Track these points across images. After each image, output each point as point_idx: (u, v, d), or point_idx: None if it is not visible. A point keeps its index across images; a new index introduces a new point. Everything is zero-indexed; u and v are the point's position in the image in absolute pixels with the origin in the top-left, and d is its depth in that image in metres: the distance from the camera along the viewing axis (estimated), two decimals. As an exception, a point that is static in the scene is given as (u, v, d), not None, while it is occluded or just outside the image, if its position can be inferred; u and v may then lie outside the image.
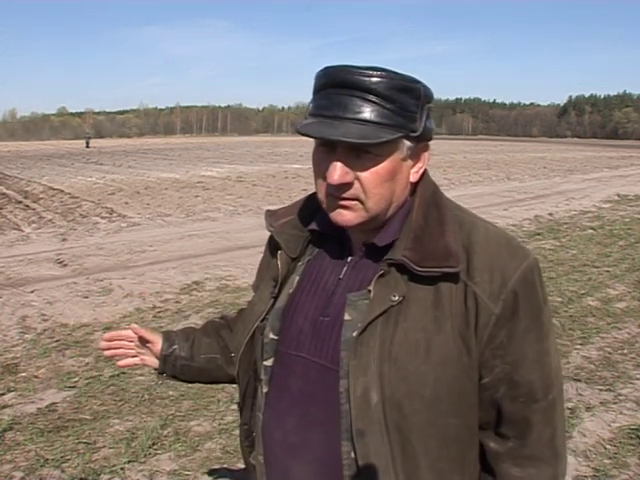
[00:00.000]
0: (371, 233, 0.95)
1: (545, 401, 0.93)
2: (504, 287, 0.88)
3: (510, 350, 0.90)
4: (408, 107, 0.87)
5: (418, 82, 0.90)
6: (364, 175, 0.88)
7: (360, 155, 0.87)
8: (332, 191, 0.90)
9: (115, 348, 1.25)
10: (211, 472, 2.80)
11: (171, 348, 1.24)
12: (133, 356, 1.26)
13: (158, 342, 1.24)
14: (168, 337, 1.26)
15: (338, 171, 0.87)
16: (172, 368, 1.25)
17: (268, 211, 1.12)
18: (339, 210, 0.91)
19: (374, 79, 0.85)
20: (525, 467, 0.94)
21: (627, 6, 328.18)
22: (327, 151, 0.89)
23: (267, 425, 1.01)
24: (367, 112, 0.85)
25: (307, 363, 0.95)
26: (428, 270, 0.87)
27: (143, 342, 1.25)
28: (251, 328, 1.03)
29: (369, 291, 0.91)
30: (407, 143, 0.89)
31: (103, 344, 1.25)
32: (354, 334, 0.89)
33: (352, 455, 0.90)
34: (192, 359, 1.24)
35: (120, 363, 1.27)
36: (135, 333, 1.24)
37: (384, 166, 0.88)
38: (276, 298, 1.02)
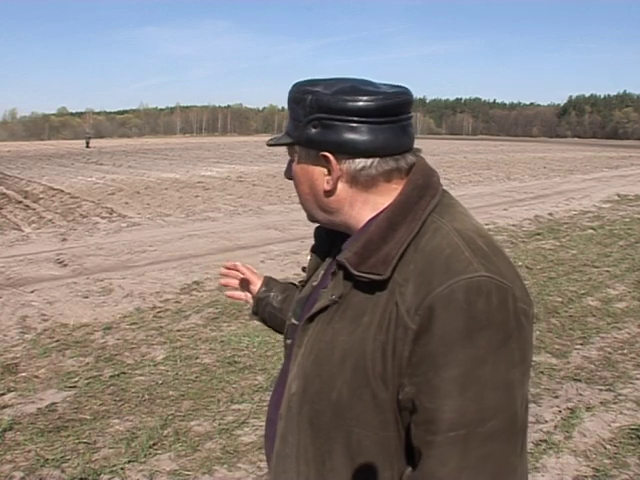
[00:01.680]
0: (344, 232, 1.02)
1: (444, 436, 0.80)
2: (422, 302, 0.82)
3: (417, 371, 0.82)
4: (296, 116, 0.94)
5: (311, 93, 0.91)
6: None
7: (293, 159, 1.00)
8: None
9: (231, 277, 1.43)
10: (211, 472, 2.80)
11: (266, 293, 1.37)
12: (241, 290, 1.42)
13: (257, 284, 1.39)
14: (267, 283, 1.39)
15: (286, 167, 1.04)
16: (262, 312, 1.38)
17: None
18: None
19: (290, 91, 0.96)
20: None
21: (627, 6, 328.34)
22: None
23: (271, 400, 1.12)
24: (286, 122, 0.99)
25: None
26: (361, 275, 0.88)
27: (246, 281, 1.41)
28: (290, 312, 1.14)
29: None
30: (300, 150, 0.96)
31: (223, 271, 1.44)
32: (302, 324, 0.98)
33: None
34: (280, 311, 1.35)
35: (228, 293, 1.45)
36: (240, 271, 1.41)
37: (295, 168, 0.99)
38: (303, 287, 1.13)
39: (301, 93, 0.93)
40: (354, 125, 0.90)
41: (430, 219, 0.90)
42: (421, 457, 0.84)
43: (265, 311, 1.37)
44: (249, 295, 1.41)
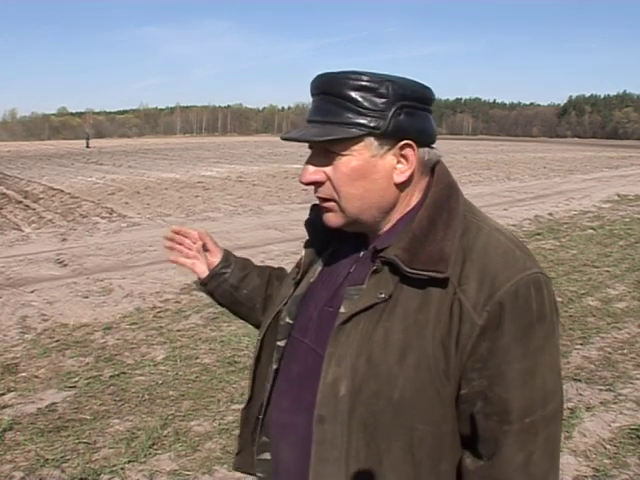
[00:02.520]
0: (375, 229, 0.98)
1: (519, 424, 0.85)
2: (490, 298, 0.84)
3: (489, 364, 0.85)
4: (371, 105, 0.88)
5: (387, 80, 0.89)
6: (333, 175, 0.92)
7: (329, 156, 0.91)
8: (315, 193, 0.96)
9: (177, 243, 1.31)
10: (211, 472, 2.80)
11: (224, 269, 1.29)
12: (188, 257, 1.30)
13: (217, 256, 1.30)
14: (227, 258, 1.31)
15: (306, 170, 0.94)
16: (215, 287, 1.29)
17: (314, 205, 1.15)
18: (325, 213, 0.97)
19: (339, 81, 0.89)
20: None
21: (627, 6, 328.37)
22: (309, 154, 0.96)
23: (270, 405, 1.06)
24: (330, 113, 0.90)
25: (308, 350, 0.99)
26: (417, 272, 0.87)
27: (204, 249, 1.31)
28: (274, 311, 1.09)
29: (363, 286, 0.93)
30: (374, 141, 0.90)
31: (168, 234, 1.32)
32: (337, 324, 0.92)
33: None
34: (237, 289, 1.29)
35: (172, 258, 1.32)
36: (200, 238, 1.30)
37: (350, 165, 0.90)
38: (298, 285, 1.07)
39: (372, 81, 0.88)
40: (427, 114, 0.94)
41: (465, 218, 0.93)
42: (497, 446, 0.86)
43: (220, 287, 1.29)
44: (197, 264, 1.29)
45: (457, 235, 0.90)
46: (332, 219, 0.96)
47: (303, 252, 1.09)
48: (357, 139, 0.89)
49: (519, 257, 0.89)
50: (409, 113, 0.90)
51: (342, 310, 0.93)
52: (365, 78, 0.88)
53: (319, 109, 0.92)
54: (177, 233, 1.31)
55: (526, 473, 0.87)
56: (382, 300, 0.89)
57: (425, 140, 0.94)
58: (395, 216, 0.95)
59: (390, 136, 0.90)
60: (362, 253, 1.00)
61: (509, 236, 0.93)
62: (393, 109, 0.89)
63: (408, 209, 0.96)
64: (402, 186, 0.94)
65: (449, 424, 0.89)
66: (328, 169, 0.92)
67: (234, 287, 1.29)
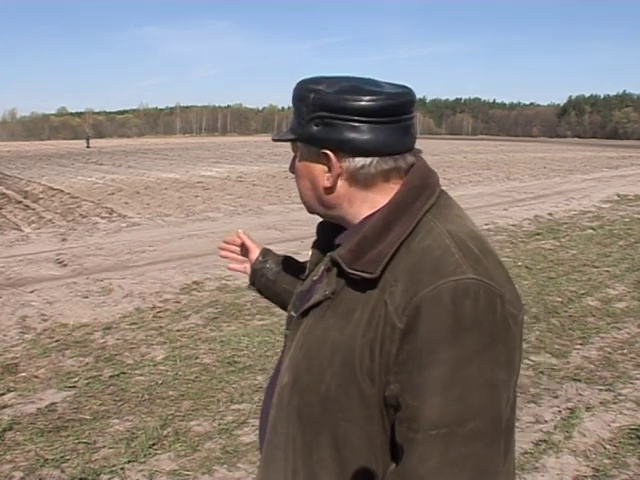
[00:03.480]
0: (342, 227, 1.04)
1: (425, 434, 0.80)
2: (410, 302, 0.83)
3: (403, 369, 0.83)
4: (300, 114, 0.95)
5: (313, 92, 0.92)
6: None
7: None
8: None
9: (230, 251, 1.45)
10: (211, 472, 2.80)
11: (261, 265, 1.39)
12: (240, 263, 1.44)
13: (255, 252, 1.41)
14: (265, 254, 1.41)
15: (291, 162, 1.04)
16: (258, 282, 1.41)
17: None
18: None
19: (296, 89, 0.97)
20: None
21: (627, 6, 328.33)
22: None
23: (265, 392, 1.15)
24: (291, 118, 0.99)
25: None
26: (353, 272, 0.89)
27: (243, 248, 1.43)
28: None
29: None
30: (302, 146, 0.97)
31: (222, 245, 1.46)
32: (296, 316, 1.00)
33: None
34: (274, 283, 1.38)
35: (231, 266, 1.46)
36: (239, 238, 1.42)
37: (297, 164, 1.00)
38: (304, 281, 1.14)
39: (305, 91, 0.94)
40: (355, 124, 0.90)
41: (424, 220, 0.91)
42: (403, 454, 0.84)
43: (260, 282, 1.40)
44: (248, 267, 1.42)
45: (402, 236, 0.89)
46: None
47: (310, 252, 1.14)
48: (294, 143, 0.99)
49: (453, 262, 0.84)
50: (327, 124, 0.92)
51: (306, 305, 0.99)
52: (306, 87, 0.95)
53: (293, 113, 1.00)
54: (228, 243, 1.45)
55: None
56: (326, 297, 0.93)
57: (350, 150, 0.92)
58: (357, 216, 0.98)
59: (309, 144, 0.96)
60: None
61: (460, 238, 0.88)
62: (308, 119, 0.94)
63: (372, 210, 0.95)
64: (329, 190, 0.97)
65: (376, 426, 0.88)
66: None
67: (272, 281, 1.38)
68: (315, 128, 0.93)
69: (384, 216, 0.92)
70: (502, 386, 0.83)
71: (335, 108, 0.91)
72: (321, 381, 0.90)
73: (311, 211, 1.05)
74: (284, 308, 1.41)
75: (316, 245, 1.14)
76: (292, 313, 1.09)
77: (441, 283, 0.82)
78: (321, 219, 1.13)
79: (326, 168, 0.95)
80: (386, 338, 0.85)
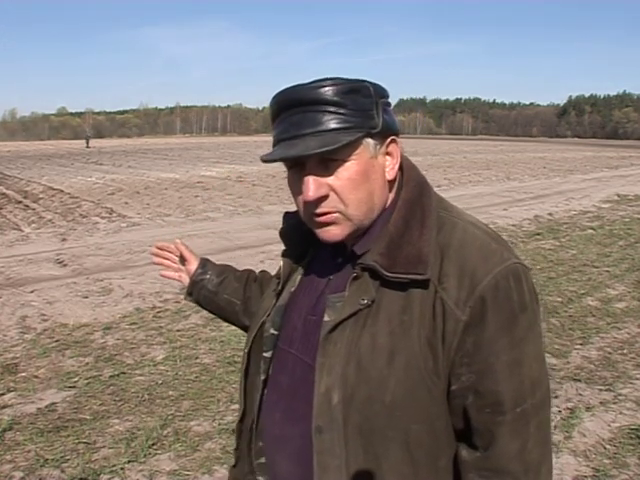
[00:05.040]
0: (356, 237, 0.96)
1: (511, 414, 0.86)
2: (472, 293, 0.85)
3: (476, 359, 0.86)
4: (361, 106, 0.87)
5: (364, 81, 0.90)
6: (338, 184, 0.88)
7: (328, 165, 0.88)
8: (311, 209, 0.91)
9: (164, 258, 1.38)
10: (211, 472, 2.80)
11: (201, 276, 1.35)
12: (175, 270, 1.38)
13: (193, 263, 1.36)
14: (204, 265, 1.36)
15: (311, 186, 0.88)
16: (197, 294, 1.36)
17: (286, 213, 1.14)
18: (325, 228, 0.92)
19: (320, 89, 0.86)
20: (489, 479, 0.89)
21: (627, 6, 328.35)
22: (298, 172, 0.91)
23: (262, 417, 1.05)
24: (322, 122, 0.86)
25: (295, 360, 0.98)
26: (397, 276, 0.87)
27: (182, 259, 1.37)
28: (258, 322, 1.07)
29: (345, 293, 0.93)
30: (371, 141, 0.89)
31: (154, 250, 1.39)
32: (323, 333, 0.91)
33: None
34: (215, 295, 1.34)
35: (163, 273, 1.40)
36: (177, 248, 1.37)
37: (354, 169, 0.88)
38: (279, 295, 1.06)
39: (353, 83, 0.88)
40: (390, 108, 0.94)
41: (438, 215, 0.93)
42: (492, 437, 0.87)
43: (200, 294, 1.35)
44: (183, 276, 1.37)
45: (433, 233, 0.90)
46: (335, 232, 0.92)
47: (281, 262, 1.08)
48: (357, 142, 0.87)
49: (495, 249, 0.89)
50: (386, 110, 0.92)
51: (326, 318, 0.93)
52: (344, 81, 0.88)
53: (303, 121, 0.87)
54: (160, 249, 1.38)
55: (521, 461, 0.88)
56: (365, 306, 0.89)
57: (398, 134, 0.95)
58: (375, 215, 0.95)
59: (381, 134, 0.90)
60: (340, 259, 1.00)
61: (485, 229, 0.94)
62: (380, 106, 0.90)
63: (382, 208, 0.95)
64: (392, 183, 0.95)
65: (443, 420, 0.90)
66: (330, 179, 0.89)
67: (213, 292, 1.34)
68: (385, 116, 0.90)
69: (403, 215, 0.92)
70: (544, 354, 0.94)
71: (387, 94, 0.93)
72: (384, 390, 0.87)
73: (357, 229, 0.93)
74: (225, 319, 1.42)
75: (286, 254, 1.08)
76: (272, 331, 1.03)
77: (497, 271, 0.86)
78: (281, 229, 1.10)
79: (389, 158, 0.93)
80: (447, 332, 0.85)
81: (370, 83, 0.90)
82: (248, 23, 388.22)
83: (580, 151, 39.37)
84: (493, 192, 14.21)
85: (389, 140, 0.92)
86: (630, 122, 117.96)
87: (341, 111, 0.86)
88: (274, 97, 0.92)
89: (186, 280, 1.37)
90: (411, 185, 0.95)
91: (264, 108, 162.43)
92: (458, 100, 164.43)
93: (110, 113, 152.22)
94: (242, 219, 10.39)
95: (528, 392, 0.87)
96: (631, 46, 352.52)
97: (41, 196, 13.66)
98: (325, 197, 0.89)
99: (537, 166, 23.45)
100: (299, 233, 1.05)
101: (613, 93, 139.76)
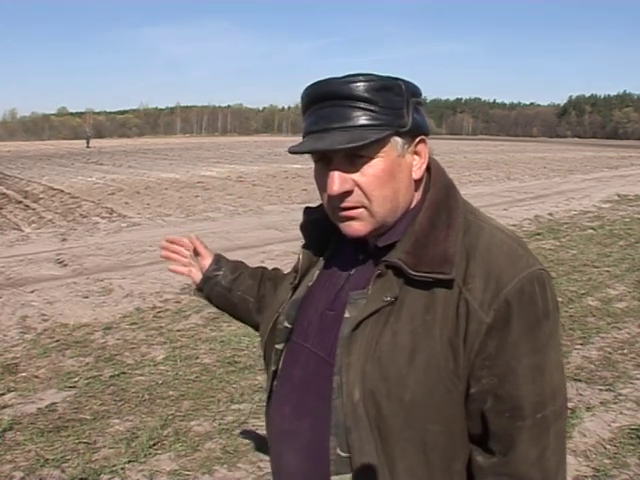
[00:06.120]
0: (382, 233, 0.96)
1: (532, 419, 0.86)
2: (497, 296, 0.85)
3: (498, 362, 0.86)
4: (392, 104, 0.88)
5: (398, 79, 0.90)
6: (363, 180, 0.89)
7: (354, 161, 0.89)
8: (336, 203, 0.92)
9: (172, 252, 1.36)
10: (211, 472, 2.80)
11: (216, 272, 1.32)
12: (184, 265, 1.35)
13: (208, 259, 1.33)
14: (217, 261, 1.34)
15: (336, 180, 0.89)
16: (209, 290, 1.33)
17: (306, 208, 1.15)
18: (348, 222, 0.93)
19: (352, 85, 0.87)
20: None
21: (627, 6, 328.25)
22: (324, 165, 0.92)
23: (271, 409, 1.05)
24: (351, 117, 0.87)
25: (310, 354, 0.98)
26: (422, 275, 0.87)
27: (196, 254, 1.34)
28: (273, 315, 1.07)
29: (368, 290, 0.92)
30: (399, 140, 0.89)
31: (164, 244, 1.37)
32: (347, 331, 0.91)
33: (337, 451, 0.90)
34: (229, 291, 1.31)
35: (171, 267, 1.37)
36: (191, 243, 1.34)
37: (380, 167, 0.89)
38: (296, 289, 1.06)
39: (386, 80, 0.88)
40: (422, 107, 0.94)
41: (465, 217, 0.93)
42: (511, 442, 0.87)
43: (213, 290, 1.32)
44: (193, 271, 1.34)
45: (460, 235, 0.90)
46: (358, 228, 0.92)
47: (300, 256, 1.08)
48: (385, 140, 0.88)
49: (522, 255, 0.90)
50: (417, 110, 0.91)
51: (347, 315, 0.92)
52: (377, 78, 0.88)
53: (333, 115, 0.88)
54: (171, 242, 1.36)
55: (540, 468, 0.88)
56: (388, 303, 0.89)
57: (428, 135, 0.95)
58: (399, 213, 0.95)
59: (410, 133, 0.90)
60: (361, 256, 0.99)
61: (510, 234, 0.94)
62: (410, 105, 0.90)
63: (410, 208, 0.96)
64: (419, 183, 0.95)
65: (459, 423, 0.90)
66: (355, 175, 0.89)
67: (227, 289, 1.31)
68: (415, 115, 0.90)
69: (429, 216, 0.92)
70: (563, 363, 0.94)
71: (420, 93, 0.93)
72: (404, 389, 0.86)
73: (381, 225, 0.93)
74: (236, 317, 1.38)
75: (306, 248, 1.08)
76: (286, 324, 1.03)
77: (523, 276, 0.86)
78: (302, 224, 1.10)
79: (416, 158, 0.93)
80: (470, 334, 0.85)
81: (403, 81, 0.90)
82: (248, 23, 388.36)
83: (580, 151, 39.36)
84: (493, 192, 14.21)
85: (418, 140, 0.92)
86: (630, 122, 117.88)
87: (371, 108, 0.87)
88: (306, 89, 0.92)
89: (196, 275, 1.34)
90: (438, 186, 0.96)
91: (264, 108, 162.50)
92: (458, 100, 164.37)
93: (110, 113, 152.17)
94: (242, 219, 10.39)
95: (549, 399, 0.88)
96: (631, 46, 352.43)
97: (41, 196, 13.66)
98: (350, 192, 0.90)
99: (537, 166, 23.45)
100: (319, 228, 1.06)
101: (613, 93, 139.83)
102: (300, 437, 0.96)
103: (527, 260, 0.89)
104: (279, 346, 1.04)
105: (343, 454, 0.89)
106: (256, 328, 1.30)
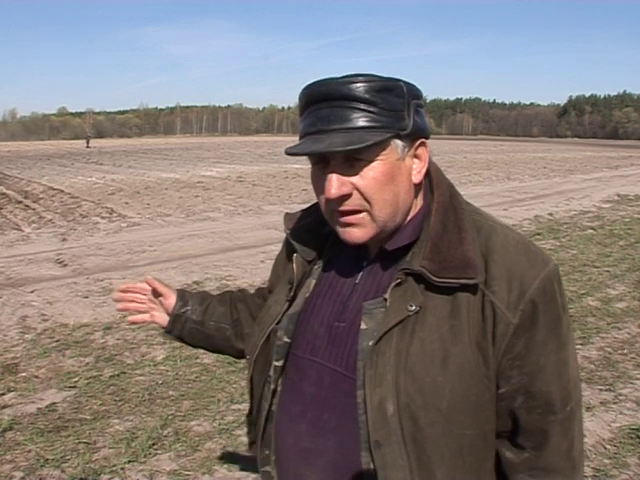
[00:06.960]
0: (385, 238, 0.94)
1: (563, 413, 0.90)
2: (522, 297, 0.85)
3: (527, 361, 0.87)
4: (392, 106, 0.85)
5: (399, 80, 0.88)
6: (362, 183, 0.86)
7: (353, 164, 0.86)
8: (334, 206, 0.89)
9: (128, 301, 1.24)
10: (211, 472, 2.80)
11: (183, 309, 1.22)
12: (145, 311, 1.24)
13: (171, 297, 1.23)
14: (182, 296, 1.24)
15: (334, 183, 0.86)
16: (180, 329, 1.23)
17: (287, 214, 1.10)
18: (347, 229, 0.90)
19: (352, 85, 0.84)
20: (541, 478, 0.91)
21: (627, 6, 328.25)
22: (322, 168, 0.89)
23: (280, 428, 1.00)
24: (350, 119, 0.84)
25: (321, 368, 0.94)
26: (446, 281, 0.86)
27: (156, 295, 1.23)
28: (266, 330, 1.02)
29: (385, 299, 0.89)
30: (399, 143, 0.87)
31: (117, 295, 1.24)
32: (370, 343, 0.87)
33: (370, 466, 0.87)
34: (202, 324, 1.23)
35: (130, 318, 1.26)
36: (149, 285, 1.23)
37: (380, 170, 0.86)
38: (291, 301, 1.01)
39: (387, 81, 0.86)
40: (422, 110, 0.93)
41: (473, 218, 0.93)
42: (544, 437, 0.90)
43: (185, 328, 1.23)
44: (156, 315, 1.24)
45: (475, 237, 0.89)
46: (359, 235, 0.90)
47: (294, 266, 1.01)
48: (385, 142, 0.85)
49: (536, 252, 0.91)
50: (418, 112, 0.90)
51: (363, 326, 0.89)
52: (378, 79, 0.86)
53: (331, 117, 0.85)
54: (125, 291, 1.25)
55: (570, 458, 0.92)
56: (413, 312, 0.86)
57: (428, 137, 0.94)
58: (399, 218, 0.92)
59: (410, 136, 0.88)
60: (365, 263, 0.97)
61: (519, 233, 0.96)
62: (412, 108, 0.88)
63: (415, 212, 0.94)
64: (419, 187, 0.94)
65: (491, 423, 0.90)
66: (354, 178, 0.86)
67: (199, 322, 1.23)
68: (416, 117, 0.88)
69: (440, 219, 0.91)
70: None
71: (421, 95, 0.92)
72: (440, 398, 0.84)
73: (382, 230, 0.91)
74: (214, 349, 1.29)
75: (298, 258, 1.02)
76: (285, 339, 0.98)
77: (543, 275, 0.88)
78: (288, 231, 1.06)
79: (417, 161, 0.91)
80: (498, 335, 0.86)
81: (404, 82, 0.88)
82: (248, 23, 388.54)
83: (580, 151, 39.36)
84: (493, 192, 14.20)
85: (418, 143, 0.90)
86: (630, 122, 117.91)
87: (371, 109, 0.84)
88: (304, 89, 0.89)
89: (160, 318, 1.24)
90: (442, 188, 0.95)
91: (264, 108, 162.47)
92: (458, 100, 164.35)
93: (110, 113, 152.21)
94: (242, 219, 10.39)
95: (573, 390, 0.91)
96: (631, 46, 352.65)
97: (41, 196, 13.66)
98: (348, 195, 0.87)
99: (537, 166, 23.45)
100: (314, 235, 1.02)
101: (613, 93, 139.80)
102: (325, 455, 0.92)
103: (542, 257, 0.91)
104: (278, 363, 0.99)
105: (375, 469, 0.87)
106: (236, 355, 1.26)
